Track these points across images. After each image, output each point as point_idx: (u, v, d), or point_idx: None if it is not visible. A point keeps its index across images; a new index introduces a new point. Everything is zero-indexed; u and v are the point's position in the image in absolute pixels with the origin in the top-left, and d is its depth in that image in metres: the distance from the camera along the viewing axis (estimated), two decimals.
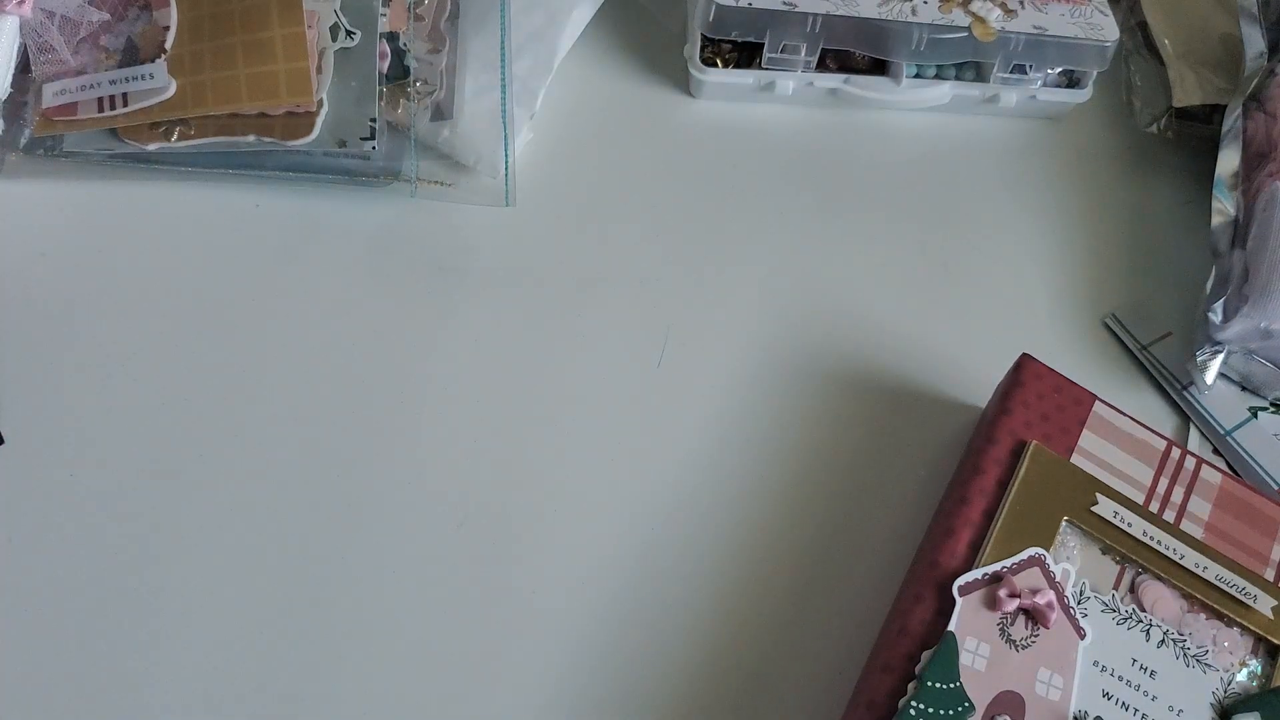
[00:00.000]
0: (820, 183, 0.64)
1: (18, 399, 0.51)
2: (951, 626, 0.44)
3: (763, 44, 0.63)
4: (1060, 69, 0.66)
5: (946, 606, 0.45)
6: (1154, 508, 0.48)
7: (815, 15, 0.61)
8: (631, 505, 0.52)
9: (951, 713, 0.42)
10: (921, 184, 0.65)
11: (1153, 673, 0.45)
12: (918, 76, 0.66)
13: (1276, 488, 0.56)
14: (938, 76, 0.66)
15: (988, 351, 0.57)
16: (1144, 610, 0.46)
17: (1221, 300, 0.57)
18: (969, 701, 0.42)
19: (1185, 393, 0.58)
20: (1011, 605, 0.44)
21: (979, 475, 0.48)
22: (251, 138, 0.56)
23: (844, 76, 0.65)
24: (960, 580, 0.45)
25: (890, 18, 0.62)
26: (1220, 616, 0.47)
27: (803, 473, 0.54)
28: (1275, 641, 0.46)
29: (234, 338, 0.54)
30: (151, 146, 0.56)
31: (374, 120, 0.56)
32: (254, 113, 0.56)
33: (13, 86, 0.56)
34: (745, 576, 0.51)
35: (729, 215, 0.62)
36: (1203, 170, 0.63)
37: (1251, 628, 0.46)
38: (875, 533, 0.53)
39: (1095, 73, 0.66)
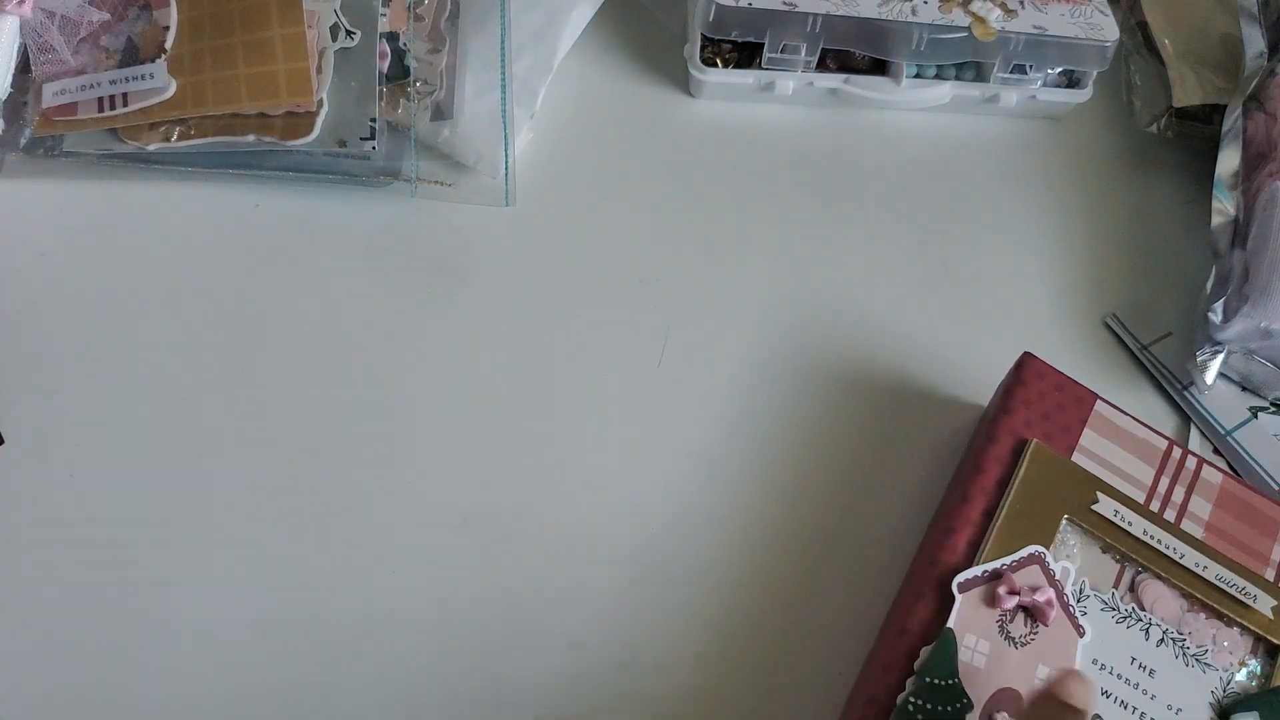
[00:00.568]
0: (820, 183, 0.64)
1: (18, 399, 0.51)
2: (950, 623, 0.44)
3: (763, 44, 0.63)
4: (1060, 69, 0.66)
5: (946, 604, 0.45)
6: (1154, 507, 0.48)
7: (815, 15, 0.61)
8: (632, 505, 0.52)
9: (950, 709, 0.42)
10: (921, 184, 0.65)
11: (1152, 671, 0.45)
12: (918, 76, 0.66)
13: (1277, 488, 0.56)
14: (938, 76, 0.66)
15: (988, 351, 0.57)
16: (1144, 609, 0.46)
17: (1221, 300, 0.57)
18: (967, 698, 0.42)
19: (1186, 392, 0.58)
20: (1011, 602, 0.44)
21: (979, 473, 0.48)
22: (251, 138, 0.56)
23: (844, 76, 0.65)
24: (960, 577, 0.45)
25: (890, 18, 0.62)
26: (1220, 616, 0.47)
27: (804, 472, 0.54)
28: (1274, 641, 0.46)
29: (234, 337, 0.54)
30: (151, 146, 0.56)
31: (374, 120, 0.56)
32: (254, 113, 0.56)
33: (13, 86, 0.56)
34: (745, 575, 0.51)
35: (729, 215, 0.62)
36: (1203, 170, 0.63)
37: (1251, 627, 0.46)
38: (876, 531, 0.53)
39: (1095, 73, 0.66)
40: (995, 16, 0.63)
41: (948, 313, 0.60)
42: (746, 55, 0.65)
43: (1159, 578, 0.47)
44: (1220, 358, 0.57)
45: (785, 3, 0.61)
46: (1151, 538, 0.47)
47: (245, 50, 0.55)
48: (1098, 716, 0.43)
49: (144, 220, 0.57)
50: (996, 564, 0.45)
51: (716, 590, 0.51)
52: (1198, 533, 0.48)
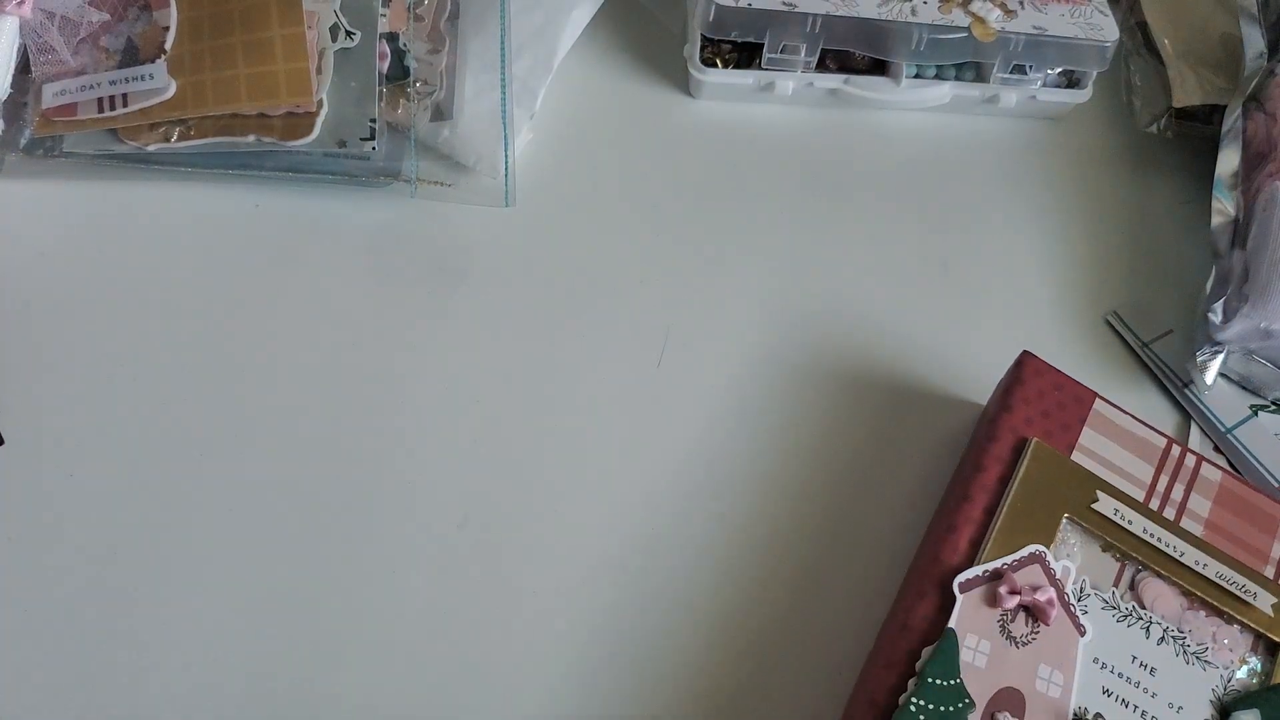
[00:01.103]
0: (820, 183, 0.64)
1: (18, 399, 0.51)
2: (952, 623, 0.44)
3: (762, 44, 0.63)
4: (1060, 69, 0.66)
5: (947, 603, 0.45)
6: (1154, 505, 0.48)
7: (815, 15, 0.61)
8: (632, 504, 0.52)
9: (952, 709, 0.42)
10: (921, 184, 0.65)
11: (1153, 670, 0.45)
12: (918, 76, 0.66)
13: (1278, 485, 0.56)
14: (938, 76, 0.66)
15: (988, 350, 0.57)
16: (1144, 607, 0.46)
17: (1221, 300, 0.57)
18: (969, 698, 0.42)
19: (1186, 390, 0.58)
20: (1012, 602, 0.44)
21: (980, 472, 0.48)
22: (251, 138, 0.56)
23: (844, 76, 0.65)
24: (961, 577, 0.45)
25: (890, 18, 0.62)
26: (1220, 614, 0.47)
27: (804, 471, 0.54)
28: (1275, 639, 0.46)
29: (234, 337, 0.54)
30: (151, 147, 0.56)
31: (374, 120, 0.56)
32: (254, 113, 0.56)
33: (13, 87, 0.56)
34: (746, 574, 0.51)
35: (729, 215, 0.62)
36: (1203, 170, 0.63)
37: (1252, 625, 0.46)
38: (877, 530, 0.53)
39: (1095, 73, 0.66)
40: (995, 17, 0.63)
41: (948, 312, 0.60)
42: (746, 55, 0.65)
43: (1159, 576, 0.47)
44: (1220, 358, 0.57)
45: (785, 3, 0.61)
46: (1151, 536, 0.47)
47: (245, 50, 0.55)
48: (1099, 715, 0.43)
49: (144, 220, 0.57)
50: (998, 563, 0.45)
51: (717, 588, 0.50)
52: (1197, 530, 0.48)
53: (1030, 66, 0.65)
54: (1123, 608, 0.46)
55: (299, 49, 0.55)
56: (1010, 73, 0.65)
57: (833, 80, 0.65)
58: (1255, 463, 0.56)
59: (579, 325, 0.57)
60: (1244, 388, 0.59)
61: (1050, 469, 0.48)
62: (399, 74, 0.58)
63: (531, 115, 0.61)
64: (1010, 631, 0.44)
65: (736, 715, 0.48)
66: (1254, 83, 0.64)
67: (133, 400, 0.52)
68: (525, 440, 0.53)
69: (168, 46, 0.56)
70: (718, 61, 0.64)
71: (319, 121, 0.56)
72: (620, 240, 0.60)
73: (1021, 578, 0.45)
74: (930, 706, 0.42)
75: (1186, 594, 0.47)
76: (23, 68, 0.56)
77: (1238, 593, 0.46)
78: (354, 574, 0.49)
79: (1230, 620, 0.47)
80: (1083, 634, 0.45)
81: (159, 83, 0.55)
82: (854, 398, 0.57)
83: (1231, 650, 0.46)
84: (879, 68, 0.65)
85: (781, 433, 0.55)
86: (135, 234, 0.57)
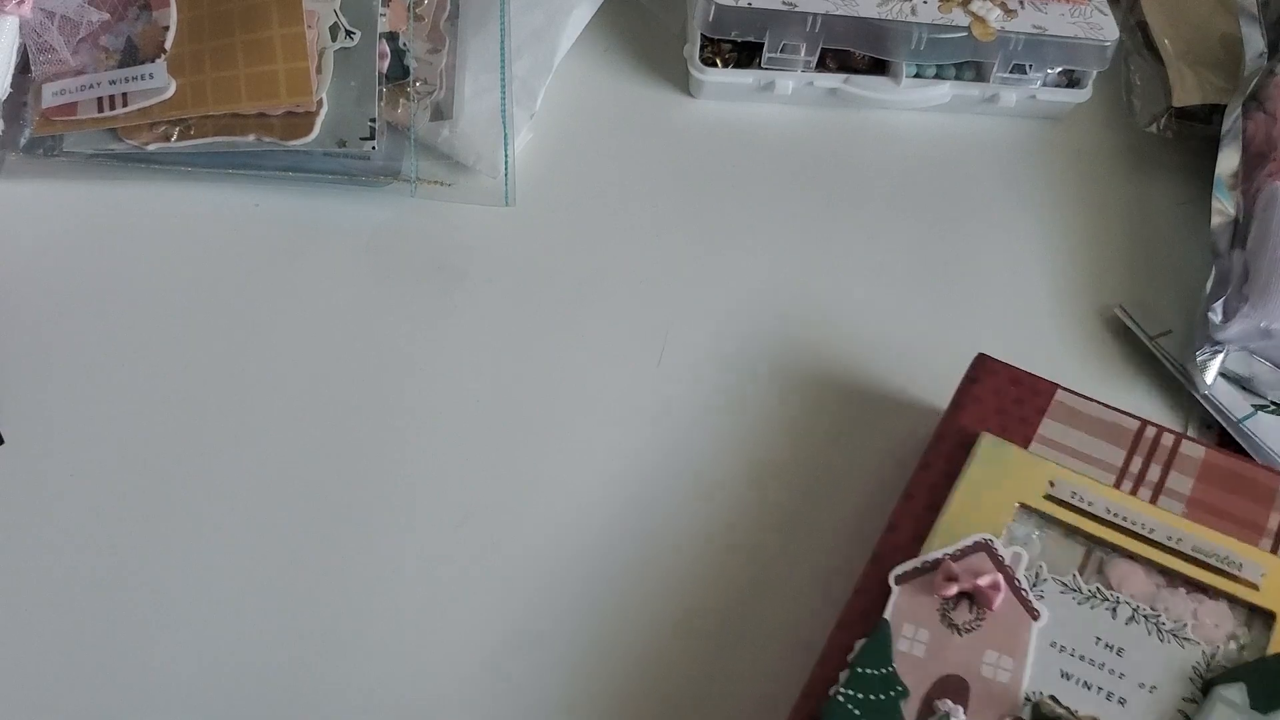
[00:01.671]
0: (820, 183, 0.64)
1: (18, 399, 0.51)
2: (887, 614, 0.44)
3: (762, 44, 0.63)
4: (1060, 69, 0.66)
5: (885, 597, 0.44)
6: (1127, 487, 0.48)
7: (815, 15, 0.61)
8: (633, 503, 0.52)
9: (883, 697, 0.42)
10: (921, 184, 0.65)
11: (1120, 650, 0.44)
12: (917, 76, 0.66)
13: None
14: (937, 76, 0.66)
15: (988, 350, 0.57)
16: (1111, 589, 0.46)
17: (1221, 300, 0.57)
18: (902, 685, 0.42)
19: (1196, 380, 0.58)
20: (951, 589, 0.44)
21: (924, 470, 0.48)
22: (251, 138, 0.56)
23: (844, 76, 0.65)
24: (898, 570, 0.45)
25: (890, 17, 0.62)
26: (1203, 589, 0.45)
27: (805, 471, 0.54)
28: (1266, 608, 0.45)
29: (234, 337, 0.54)
30: (151, 146, 0.56)
31: (374, 120, 0.56)
32: (254, 113, 0.56)
33: (12, 86, 0.56)
34: (745, 574, 0.51)
35: (729, 215, 0.62)
36: (1203, 170, 0.63)
37: (1240, 597, 0.45)
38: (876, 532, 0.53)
39: (1095, 73, 0.66)
40: (995, 16, 0.63)
41: (947, 312, 0.60)
42: (746, 55, 0.65)
43: (1128, 556, 0.46)
44: (1220, 357, 0.57)
45: (785, 2, 0.61)
46: (1116, 515, 0.46)
47: (245, 50, 0.55)
48: (1053, 697, 0.43)
49: (144, 220, 0.57)
50: (939, 554, 0.45)
51: (717, 590, 0.50)
52: (1178, 509, 0.47)
53: (1030, 66, 0.65)
54: (1085, 590, 0.45)
55: (299, 49, 0.55)
56: (1010, 72, 0.65)
57: (833, 80, 0.65)
58: (1271, 451, 0.55)
59: (579, 325, 0.57)
60: (1244, 388, 0.59)
61: (1000, 460, 0.47)
62: (399, 74, 0.58)
63: (531, 115, 0.61)
64: (952, 619, 0.44)
65: (698, 710, 0.48)
66: (1254, 83, 0.64)
67: (133, 400, 0.52)
68: (524, 440, 0.53)
69: (168, 46, 0.56)
70: (718, 61, 0.64)
71: (319, 121, 0.56)
72: (620, 240, 0.60)
73: (964, 566, 0.44)
74: (859, 696, 0.42)
75: (1163, 571, 0.46)
76: (23, 67, 0.56)
77: (1220, 565, 0.45)
78: (354, 574, 0.49)
79: (1216, 594, 0.45)
80: (1036, 618, 0.44)
81: (159, 82, 0.55)
82: (854, 397, 0.57)
83: (1217, 626, 0.45)
84: (879, 67, 0.65)
85: (781, 433, 0.55)
86: (135, 234, 0.57)
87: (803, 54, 0.63)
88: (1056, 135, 0.69)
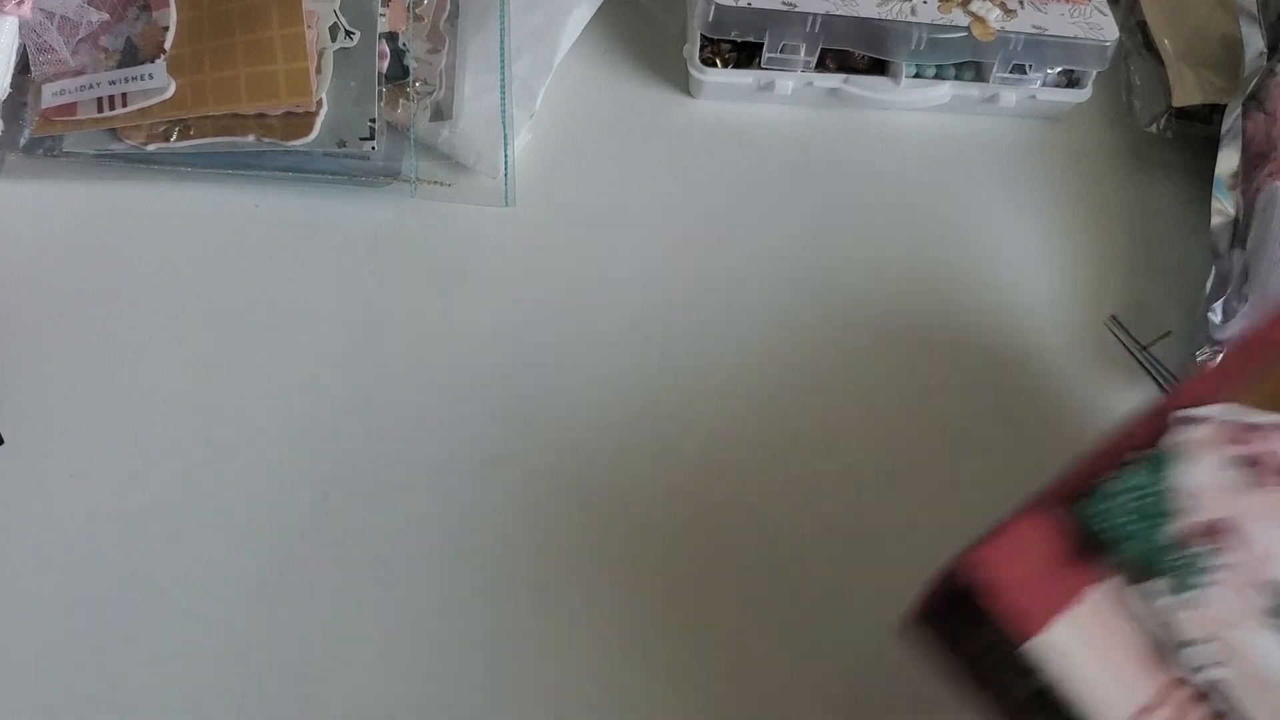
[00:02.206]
0: (820, 182, 0.64)
1: (18, 399, 0.51)
2: (1183, 439, 0.40)
3: (762, 44, 0.63)
4: (1060, 69, 0.66)
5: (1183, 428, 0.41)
6: None
7: (815, 15, 0.61)
8: (631, 503, 0.52)
9: (1151, 508, 0.39)
10: (921, 184, 0.65)
11: None
12: (917, 76, 0.66)
13: None
14: (937, 76, 0.66)
15: (988, 350, 0.57)
16: None
17: (1221, 300, 0.57)
18: (1175, 509, 0.39)
19: None
20: (1263, 446, 0.40)
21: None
22: (251, 138, 0.56)
23: (844, 76, 0.65)
24: (1197, 411, 0.41)
25: (890, 18, 0.62)
26: None
27: (803, 472, 0.54)
28: None
29: (233, 338, 0.54)
30: (151, 146, 0.56)
31: (374, 120, 0.56)
32: (254, 113, 0.56)
33: (12, 86, 0.56)
34: (744, 574, 0.51)
35: (728, 215, 0.62)
36: (1203, 170, 0.63)
37: None
38: (890, 537, 0.53)
39: (1095, 73, 0.66)
40: (995, 16, 0.63)
41: (947, 312, 0.60)
42: (746, 55, 0.65)
43: None
44: (1220, 357, 0.57)
45: (785, 3, 0.61)
46: None
47: (245, 50, 0.55)
48: None
49: (144, 220, 0.57)
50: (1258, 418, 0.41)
51: (714, 589, 0.51)
52: None
53: (1030, 66, 0.65)
54: None
55: (299, 49, 0.56)
56: (1010, 72, 0.65)
57: (832, 80, 0.65)
58: None
59: (579, 325, 0.57)
60: None
61: None
62: (399, 74, 0.58)
63: (531, 115, 0.61)
64: (1252, 476, 0.40)
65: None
66: (1254, 83, 0.64)
67: (133, 400, 0.52)
68: (524, 440, 0.53)
69: (167, 46, 0.56)
70: (717, 61, 0.64)
71: (319, 121, 0.56)
72: (620, 240, 0.60)
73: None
74: (1124, 502, 0.39)
75: None
76: (22, 68, 0.56)
77: None
78: (354, 575, 0.49)
79: None
80: None
81: (159, 82, 0.55)
82: (854, 397, 0.57)
83: None
84: (879, 67, 0.65)
85: (781, 433, 0.55)
86: (135, 234, 0.57)
87: (802, 54, 0.63)
88: (1056, 135, 0.69)
